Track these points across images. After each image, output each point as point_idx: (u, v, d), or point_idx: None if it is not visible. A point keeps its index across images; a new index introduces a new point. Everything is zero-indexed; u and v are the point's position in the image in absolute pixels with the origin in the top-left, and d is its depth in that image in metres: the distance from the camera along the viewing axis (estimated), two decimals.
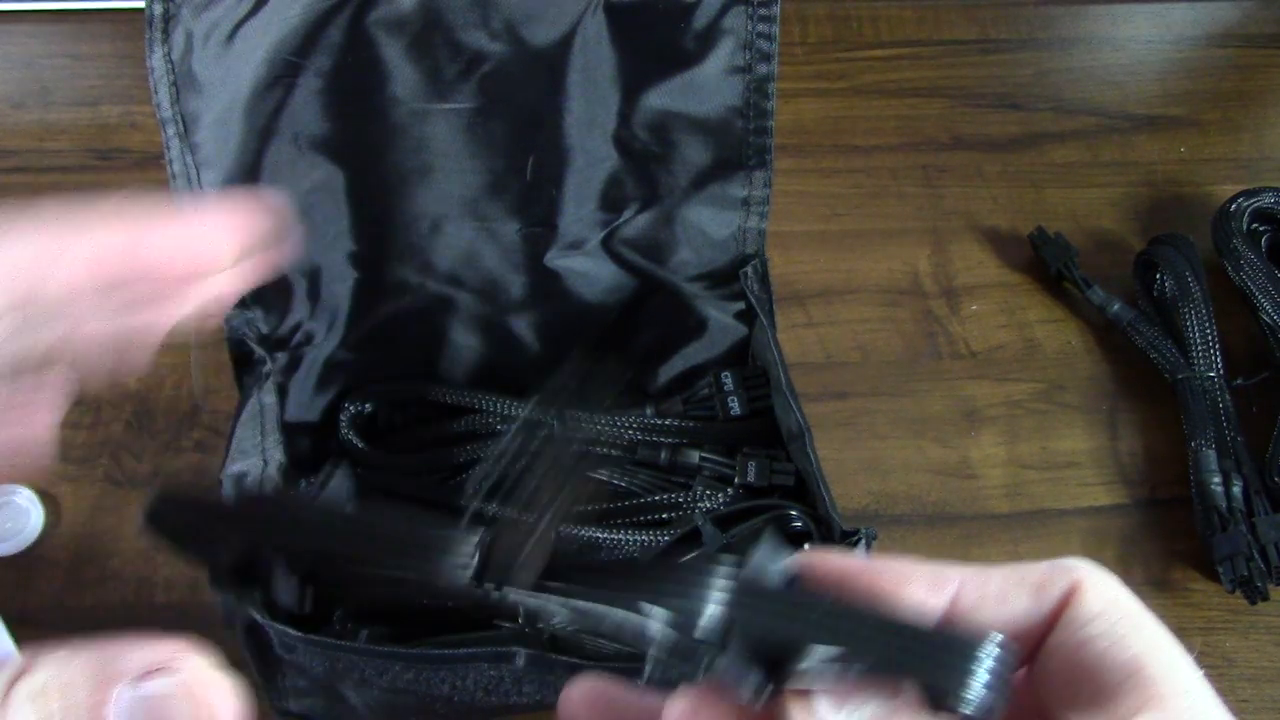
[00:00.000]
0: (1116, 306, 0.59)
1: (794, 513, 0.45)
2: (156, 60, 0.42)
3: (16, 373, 0.24)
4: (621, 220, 0.50)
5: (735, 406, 0.51)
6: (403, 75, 0.45)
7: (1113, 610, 0.20)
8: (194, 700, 0.19)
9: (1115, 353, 0.60)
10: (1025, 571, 0.21)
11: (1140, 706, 0.18)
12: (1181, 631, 0.59)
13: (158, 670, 0.19)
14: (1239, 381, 0.56)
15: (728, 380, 0.51)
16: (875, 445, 0.56)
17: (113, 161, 0.65)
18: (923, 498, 0.54)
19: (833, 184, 0.65)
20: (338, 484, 0.49)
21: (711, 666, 0.20)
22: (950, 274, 0.62)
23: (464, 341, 0.53)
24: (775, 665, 0.19)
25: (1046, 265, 0.61)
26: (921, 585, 0.21)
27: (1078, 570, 0.20)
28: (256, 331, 0.48)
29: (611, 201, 0.50)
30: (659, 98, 0.47)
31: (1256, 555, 0.50)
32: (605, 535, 0.47)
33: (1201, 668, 0.56)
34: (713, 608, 0.20)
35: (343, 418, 0.50)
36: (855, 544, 0.40)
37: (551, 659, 0.39)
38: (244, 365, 0.48)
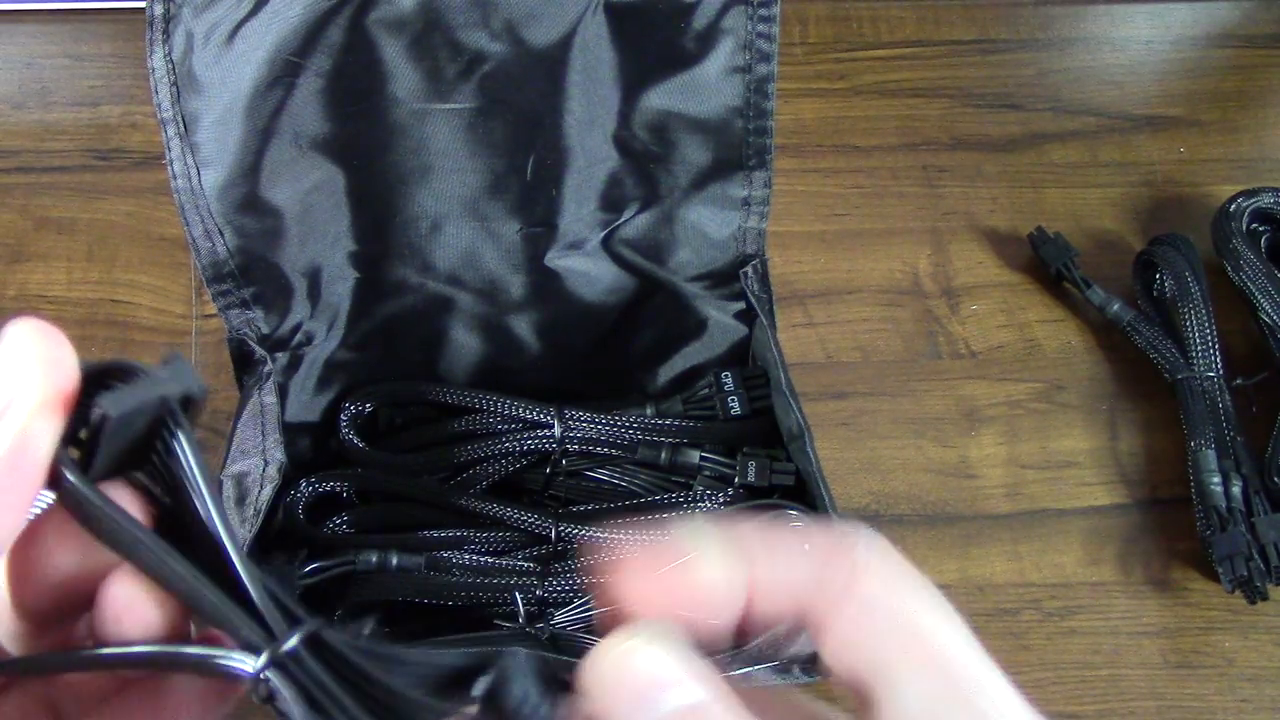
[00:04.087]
0: (1116, 306, 0.59)
1: (794, 513, 0.45)
2: (157, 60, 0.42)
3: None
4: (621, 220, 0.50)
5: (735, 406, 0.51)
6: (403, 75, 0.45)
7: (890, 589, 0.20)
8: None
9: (1115, 353, 0.60)
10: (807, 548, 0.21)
11: (909, 678, 0.19)
12: (1181, 631, 0.58)
13: None
14: (1239, 381, 0.56)
15: (728, 380, 0.51)
16: (875, 445, 0.56)
17: (113, 161, 0.65)
18: (923, 498, 0.54)
19: (833, 184, 0.65)
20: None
21: None
22: (950, 274, 0.62)
23: (464, 341, 0.53)
24: None
25: (1046, 265, 0.61)
26: (719, 567, 0.21)
27: (856, 548, 0.21)
28: (256, 331, 0.48)
29: (611, 201, 0.50)
30: (659, 98, 0.47)
31: (1256, 555, 0.50)
32: (605, 535, 0.47)
33: (1201, 667, 0.55)
34: None
35: (343, 418, 0.50)
36: None
37: (552, 659, 0.39)
38: (244, 365, 0.48)
